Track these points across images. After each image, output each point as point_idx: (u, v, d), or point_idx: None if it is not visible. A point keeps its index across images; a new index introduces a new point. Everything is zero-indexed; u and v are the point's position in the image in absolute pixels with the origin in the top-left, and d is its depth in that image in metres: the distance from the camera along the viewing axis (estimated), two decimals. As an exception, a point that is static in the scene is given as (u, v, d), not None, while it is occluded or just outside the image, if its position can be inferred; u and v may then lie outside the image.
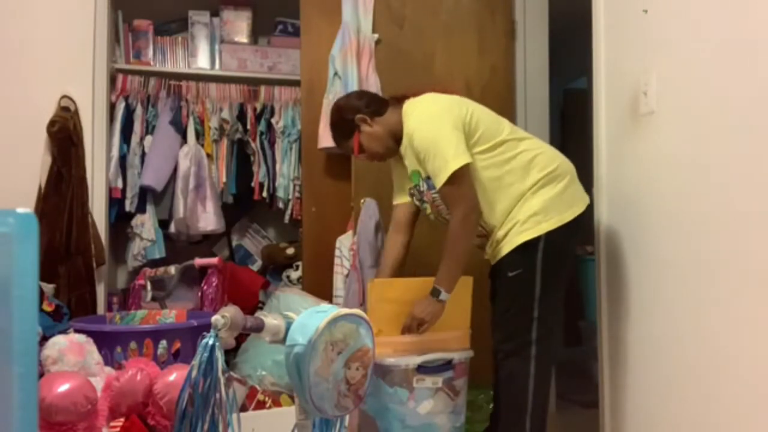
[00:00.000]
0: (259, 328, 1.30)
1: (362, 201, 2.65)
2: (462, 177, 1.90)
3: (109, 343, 2.09)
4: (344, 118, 2.13)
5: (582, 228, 2.04)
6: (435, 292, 1.97)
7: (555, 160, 2.04)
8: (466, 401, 2.14)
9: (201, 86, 3.43)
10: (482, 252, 2.11)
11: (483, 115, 2.03)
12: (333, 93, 2.80)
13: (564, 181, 2.00)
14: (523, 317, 1.96)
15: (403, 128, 2.04)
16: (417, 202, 2.16)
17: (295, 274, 3.23)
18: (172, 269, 2.92)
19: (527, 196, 1.97)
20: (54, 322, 2.29)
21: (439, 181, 1.92)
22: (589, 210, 2.08)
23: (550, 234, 1.93)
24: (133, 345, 2.13)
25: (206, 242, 3.52)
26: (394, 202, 2.27)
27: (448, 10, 2.94)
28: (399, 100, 2.14)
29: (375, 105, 2.13)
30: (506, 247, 1.97)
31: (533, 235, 1.93)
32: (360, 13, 2.82)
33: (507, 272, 1.98)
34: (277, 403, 2.19)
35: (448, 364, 2.07)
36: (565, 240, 1.98)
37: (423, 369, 2.03)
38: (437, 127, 1.95)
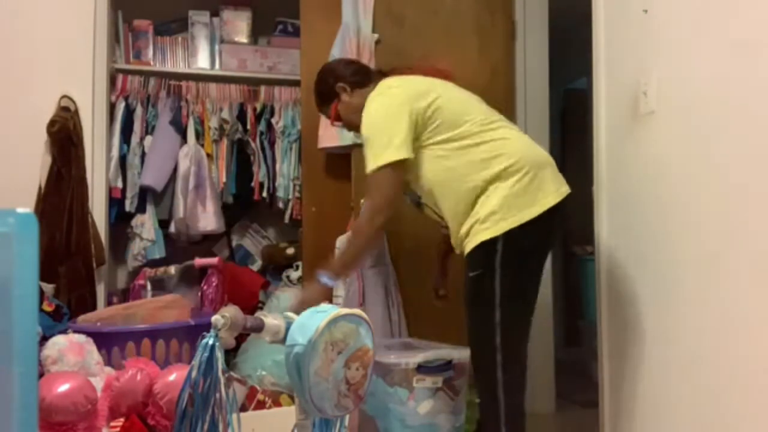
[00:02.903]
0: (259, 328, 1.30)
1: (362, 201, 2.64)
2: (386, 174, 1.85)
3: (108, 343, 2.09)
4: (326, 83, 2.11)
5: (551, 224, 1.88)
6: (318, 274, 1.89)
7: (518, 152, 1.88)
8: (465, 401, 2.14)
9: (201, 86, 3.43)
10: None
11: (449, 103, 1.93)
12: (333, 93, 2.80)
13: (527, 176, 1.84)
14: (485, 324, 1.85)
15: None
16: None
17: (295, 274, 3.23)
18: (172, 269, 2.92)
19: (489, 191, 1.85)
20: (54, 322, 2.29)
21: (367, 170, 1.90)
22: (566, 204, 1.91)
23: (509, 233, 1.81)
24: (131, 345, 2.13)
25: (206, 242, 3.52)
26: None
27: (448, 10, 2.94)
28: (383, 75, 2.10)
29: (359, 76, 2.10)
30: (469, 245, 1.87)
31: (491, 234, 1.81)
32: (360, 13, 2.82)
33: (468, 272, 1.88)
34: (277, 403, 2.19)
35: (448, 364, 2.07)
36: (526, 239, 1.84)
37: (423, 369, 2.03)
38: (382, 114, 1.90)
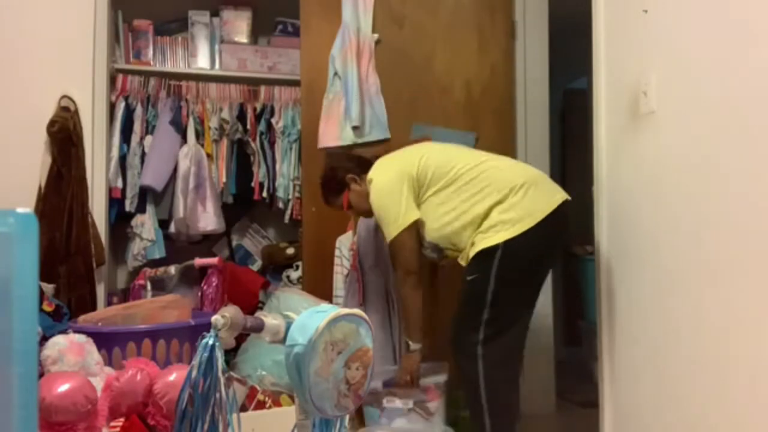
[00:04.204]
0: (259, 328, 1.30)
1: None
2: (401, 239, 2.15)
3: (108, 343, 2.09)
4: (336, 177, 2.35)
5: (548, 233, 2.05)
6: (405, 346, 2.23)
7: (507, 175, 2.11)
8: (444, 418, 2.26)
9: (201, 86, 3.43)
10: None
11: (434, 159, 2.18)
12: (333, 93, 2.80)
13: (520, 192, 2.06)
14: (471, 319, 2.05)
15: None
16: None
17: (295, 274, 3.23)
18: (172, 269, 2.92)
19: (491, 215, 2.06)
20: (54, 322, 2.29)
21: (387, 242, 2.21)
22: (563, 211, 2.08)
23: (507, 243, 2.01)
24: (132, 345, 2.13)
25: (206, 242, 3.52)
26: None
27: (448, 10, 2.94)
28: (372, 162, 2.33)
29: (363, 166, 2.33)
30: (470, 253, 2.08)
31: (491, 243, 2.02)
32: (360, 13, 2.82)
33: (466, 276, 2.08)
34: (277, 403, 2.19)
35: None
36: (524, 247, 2.03)
37: (391, 387, 2.21)
38: (382, 198, 2.18)
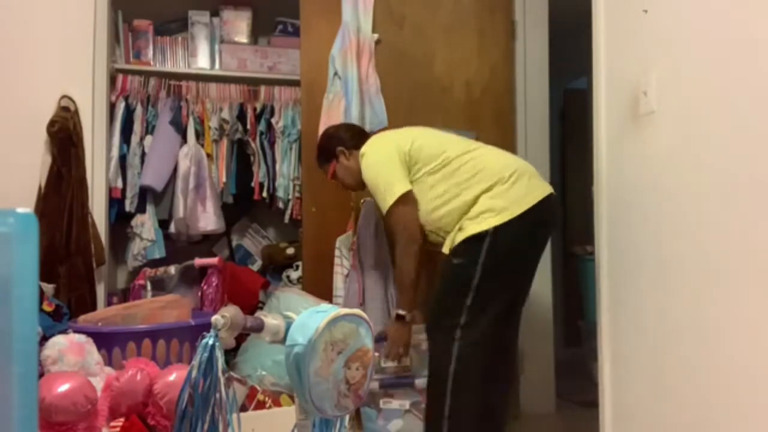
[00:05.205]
0: (259, 328, 1.30)
1: (362, 201, 2.65)
2: (400, 208, 2.14)
3: (108, 343, 2.09)
4: (328, 146, 2.41)
5: (535, 223, 2.11)
6: (398, 317, 2.20)
7: (497, 163, 2.16)
8: None
9: (201, 86, 3.43)
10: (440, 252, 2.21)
11: (426, 140, 2.23)
12: (333, 93, 2.80)
13: (509, 181, 2.10)
14: (454, 302, 2.05)
15: None
16: None
17: (295, 274, 3.23)
18: (172, 269, 2.92)
19: (479, 201, 2.09)
20: (54, 322, 2.29)
21: (383, 214, 2.22)
22: (551, 206, 2.15)
23: (496, 229, 2.03)
24: (132, 345, 2.13)
25: (206, 242, 3.52)
26: None
27: (448, 10, 2.94)
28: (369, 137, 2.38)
29: (356, 139, 2.37)
30: (457, 239, 2.09)
31: (480, 228, 2.04)
32: (360, 13, 2.82)
33: (452, 259, 2.10)
34: (277, 403, 2.19)
35: (410, 387, 2.15)
36: (512, 234, 2.05)
37: (387, 388, 2.19)
38: (376, 169, 2.22)
